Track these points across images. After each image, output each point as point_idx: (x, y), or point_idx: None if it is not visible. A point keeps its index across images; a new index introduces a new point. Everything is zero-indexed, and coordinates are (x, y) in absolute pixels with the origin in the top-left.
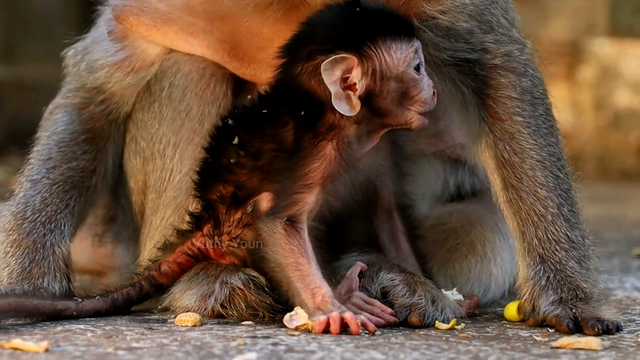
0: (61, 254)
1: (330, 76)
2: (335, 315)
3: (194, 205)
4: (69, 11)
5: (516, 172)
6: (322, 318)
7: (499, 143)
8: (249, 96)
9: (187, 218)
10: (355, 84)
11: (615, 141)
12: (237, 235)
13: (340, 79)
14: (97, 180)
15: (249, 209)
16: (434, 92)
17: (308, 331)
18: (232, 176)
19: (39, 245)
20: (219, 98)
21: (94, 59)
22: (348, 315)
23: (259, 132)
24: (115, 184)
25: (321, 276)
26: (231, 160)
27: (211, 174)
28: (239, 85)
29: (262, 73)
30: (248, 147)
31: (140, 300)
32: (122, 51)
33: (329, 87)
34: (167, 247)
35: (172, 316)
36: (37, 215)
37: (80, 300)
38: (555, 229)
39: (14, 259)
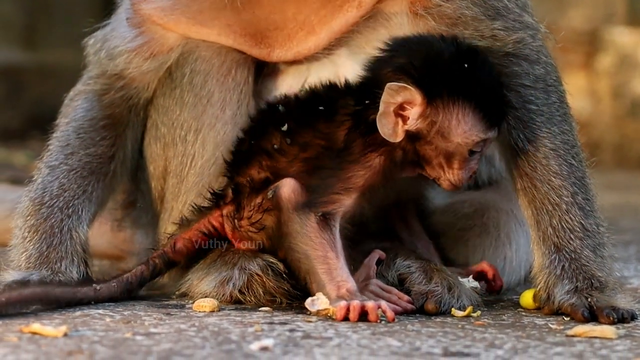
0: (79, 238)
1: (389, 97)
2: (356, 303)
3: (218, 185)
4: None
5: (530, 161)
6: (343, 304)
7: (512, 131)
8: (301, 89)
9: (208, 195)
10: (408, 117)
11: (632, 129)
12: (257, 220)
13: (397, 105)
14: (116, 166)
15: (270, 194)
16: (470, 176)
17: (328, 317)
18: (271, 162)
19: (57, 229)
20: (240, 84)
21: (113, 45)
22: (370, 304)
23: (311, 126)
24: (134, 170)
25: (348, 272)
26: (274, 146)
27: (247, 157)
28: (261, 72)
29: (274, 43)
30: (296, 136)
31: (153, 277)
32: (140, 37)
33: (380, 103)
34: (183, 224)
35: (190, 302)
36: (54, 200)
37: (98, 287)
38: (570, 218)
39: (31, 243)
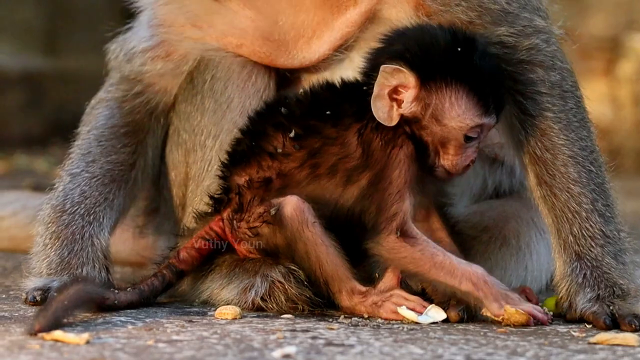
0: (100, 245)
1: (384, 79)
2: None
3: (215, 188)
4: (112, 2)
5: (549, 169)
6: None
7: (530, 139)
8: (301, 89)
9: (208, 200)
10: (403, 101)
11: None
12: (255, 226)
13: (392, 88)
14: (137, 174)
15: (273, 212)
16: (468, 165)
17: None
18: (274, 163)
19: (78, 236)
20: (260, 90)
21: (130, 46)
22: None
23: (316, 131)
24: (156, 177)
25: (463, 260)
26: (278, 149)
27: (244, 156)
28: (280, 78)
29: (292, 49)
30: (303, 142)
31: (165, 288)
32: (156, 37)
33: (375, 86)
34: (185, 234)
35: (212, 309)
36: (75, 207)
37: (117, 292)
38: (590, 225)
39: (52, 250)
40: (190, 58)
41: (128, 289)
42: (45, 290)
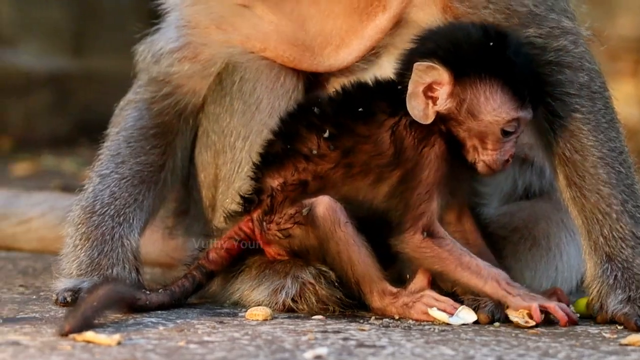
0: (130, 246)
1: (417, 77)
2: (534, 306)
3: (246, 188)
4: (139, 3)
5: (578, 170)
6: (534, 306)
7: (560, 141)
8: (334, 89)
9: (238, 200)
10: (438, 98)
11: None
12: (285, 228)
13: (426, 85)
14: (166, 175)
15: (305, 212)
16: (507, 160)
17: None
18: (309, 165)
19: (108, 237)
20: (289, 91)
21: (158, 48)
22: (551, 305)
23: (350, 130)
24: (186, 178)
25: (488, 263)
26: (313, 151)
27: (279, 159)
28: (309, 79)
29: (322, 52)
30: (337, 142)
31: (196, 290)
32: (183, 38)
33: (409, 84)
34: (214, 234)
35: (243, 310)
36: (105, 208)
37: (148, 292)
38: (620, 227)
39: (82, 251)
40: (217, 60)
41: (159, 290)
42: (75, 291)
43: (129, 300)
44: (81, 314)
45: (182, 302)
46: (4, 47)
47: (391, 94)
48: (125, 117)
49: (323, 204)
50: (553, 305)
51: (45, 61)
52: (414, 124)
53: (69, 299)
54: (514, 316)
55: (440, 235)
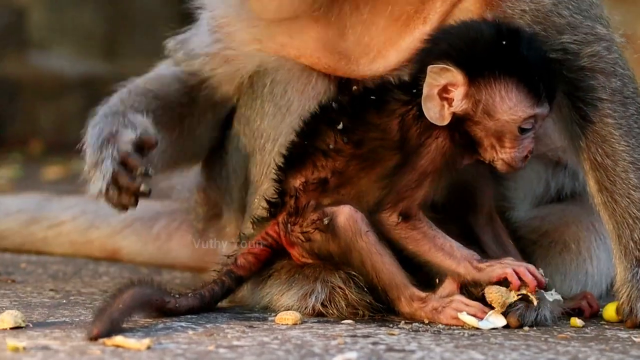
0: (141, 121)
1: (432, 79)
2: (509, 271)
3: (271, 192)
4: (172, 8)
5: (609, 175)
6: (508, 271)
7: (591, 145)
8: (355, 87)
9: (264, 204)
10: (453, 99)
11: None
12: (307, 231)
13: (441, 87)
14: (192, 123)
15: (326, 221)
16: (526, 156)
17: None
18: (328, 162)
19: (121, 115)
20: (321, 94)
21: (190, 47)
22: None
23: (362, 120)
24: (220, 180)
25: (462, 245)
26: (330, 146)
27: (300, 158)
28: (341, 82)
29: (360, 60)
30: (351, 134)
31: (225, 294)
32: (217, 43)
33: (424, 87)
34: (242, 240)
35: (272, 314)
36: (114, 107)
37: (177, 296)
38: None
39: (97, 129)
40: (248, 65)
41: (189, 294)
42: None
43: (157, 304)
44: (108, 317)
45: (212, 306)
46: (36, 51)
47: (406, 86)
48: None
49: (344, 214)
50: (522, 269)
51: (77, 65)
52: (422, 115)
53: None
54: (491, 293)
55: (417, 217)
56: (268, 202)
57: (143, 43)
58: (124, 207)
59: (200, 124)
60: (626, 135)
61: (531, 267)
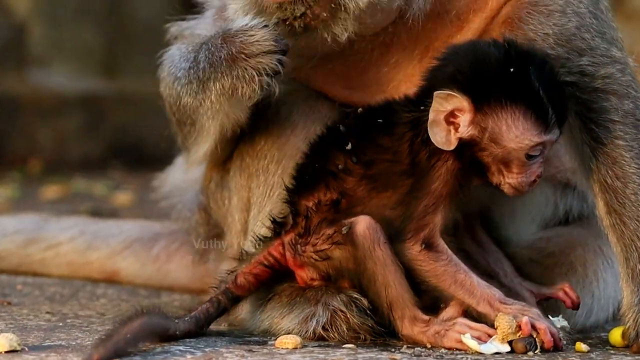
0: None
1: (438, 105)
2: (525, 320)
3: (279, 212)
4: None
5: (619, 197)
6: (524, 320)
7: (601, 167)
8: (360, 108)
9: (269, 224)
10: (460, 125)
11: None
12: (323, 249)
13: (448, 112)
14: None
15: (344, 230)
16: (534, 181)
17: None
18: (338, 183)
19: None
20: (326, 117)
21: (197, 33)
22: (541, 325)
23: (373, 142)
24: (221, 201)
25: (484, 282)
26: (339, 167)
27: (312, 180)
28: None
29: (362, 95)
30: (360, 155)
31: (220, 314)
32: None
33: (430, 112)
34: (243, 257)
35: (272, 338)
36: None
37: (176, 321)
38: None
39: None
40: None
41: (186, 318)
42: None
43: (161, 333)
44: (112, 344)
45: (205, 329)
46: (36, 68)
47: (414, 108)
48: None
49: (364, 222)
50: (544, 328)
51: (77, 82)
52: (430, 138)
53: None
54: (501, 321)
55: (439, 249)
56: (273, 221)
57: (143, 60)
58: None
59: None
60: (637, 157)
61: (552, 329)
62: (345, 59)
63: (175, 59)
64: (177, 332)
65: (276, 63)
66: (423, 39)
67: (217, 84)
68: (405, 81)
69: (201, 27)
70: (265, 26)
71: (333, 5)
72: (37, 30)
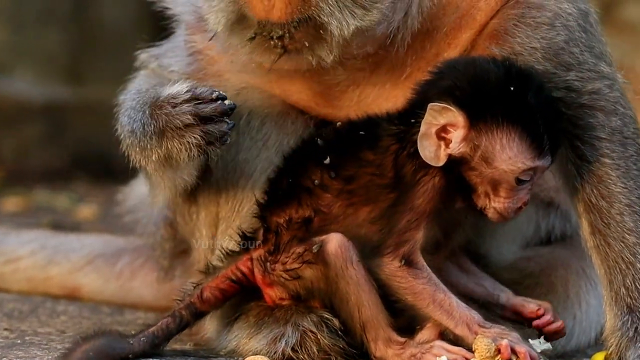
0: None
1: (431, 118)
2: (505, 343)
3: (248, 226)
4: (140, 30)
5: (603, 217)
6: (504, 343)
7: (586, 186)
8: (339, 122)
9: (237, 238)
10: (451, 141)
11: None
12: (293, 268)
13: (440, 126)
14: None
15: (315, 249)
16: (520, 207)
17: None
18: (312, 199)
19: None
20: (300, 129)
21: (166, 63)
22: (521, 349)
23: (355, 156)
24: (189, 216)
25: (463, 303)
26: (315, 182)
27: (284, 195)
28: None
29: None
30: (339, 169)
31: (181, 329)
32: (197, 63)
33: (422, 124)
34: (210, 271)
35: (240, 359)
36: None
37: (131, 342)
38: None
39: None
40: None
41: (142, 338)
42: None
43: (117, 354)
44: None
45: (164, 346)
46: None
47: (400, 121)
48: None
49: (335, 240)
50: (524, 352)
51: (39, 90)
52: (417, 152)
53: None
54: (479, 344)
55: (418, 266)
56: (243, 235)
57: (109, 68)
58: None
59: None
60: (624, 176)
61: (533, 353)
62: (325, 77)
63: (129, 103)
64: (131, 356)
65: (200, 136)
66: (410, 58)
67: (153, 154)
68: (388, 102)
69: (170, 54)
70: (189, 91)
71: (315, 32)
72: None
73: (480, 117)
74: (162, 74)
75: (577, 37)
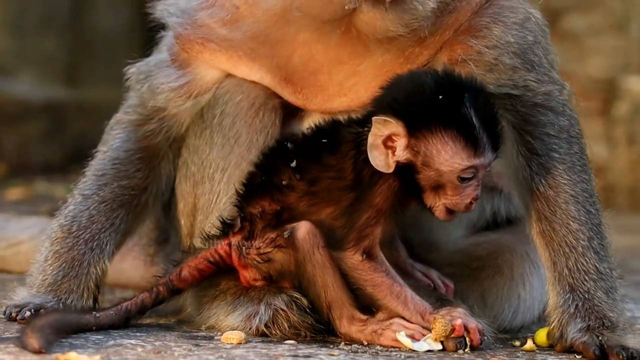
0: (95, 274)
1: (377, 130)
2: (459, 322)
3: (226, 214)
4: (133, 35)
5: (550, 205)
6: (459, 322)
7: (535, 177)
8: (309, 126)
9: (218, 224)
10: (396, 149)
11: None
12: (266, 252)
13: (385, 137)
14: (148, 198)
15: (286, 234)
16: (470, 202)
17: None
18: (281, 196)
19: (77, 262)
20: (267, 126)
21: (156, 83)
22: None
23: (318, 161)
24: (168, 203)
25: (416, 295)
26: (283, 182)
27: (259, 190)
28: (287, 115)
29: (312, 97)
30: (304, 172)
31: (155, 304)
32: (183, 77)
33: (369, 136)
34: (190, 252)
35: (219, 333)
36: (81, 232)
37: (98, 315)
38: (585, 260)
39: (50, 268)
40: (208, 94)
41: (110, 311)
42: (22, 307)
43: (74, 326)
44: (42, 332)
45: (137, 319)
46: (1, 76)
47: (358, 128)
48: (114, 138)
49: (305, 227)
50: (474, 327)
51: (40, 91)
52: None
53: (13, 314)
54: (437, 323)
55: (378, 260)
56: (223, 222)
57: (104, 70)
58: None
59: (163, 171)
60: (569, 170)
61: (481, 327)
62: (327, 44)
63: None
64: (94, 327)
65: None
66: (402, 56)
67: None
68: (354, 92)
69: (159, 73)
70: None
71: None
72: (2, 41)
73: (416, 126)
74: (151, 99)
75: (540, 40)
